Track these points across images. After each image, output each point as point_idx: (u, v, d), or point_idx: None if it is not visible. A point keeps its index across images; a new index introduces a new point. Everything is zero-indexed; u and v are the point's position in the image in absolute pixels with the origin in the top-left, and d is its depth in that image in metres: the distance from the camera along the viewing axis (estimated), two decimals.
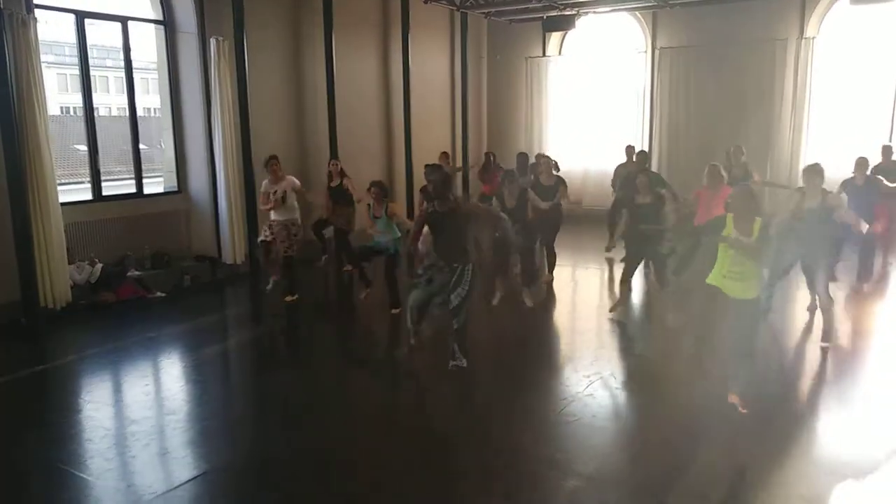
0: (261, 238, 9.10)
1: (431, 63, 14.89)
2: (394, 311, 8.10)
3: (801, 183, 7.07)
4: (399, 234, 8.15)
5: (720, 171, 8.02)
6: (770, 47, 13.50)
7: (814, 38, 13.27)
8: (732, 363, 5.39)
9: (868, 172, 8.74)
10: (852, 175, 8.68)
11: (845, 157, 9.85)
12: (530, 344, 7.56)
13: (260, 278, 9.67)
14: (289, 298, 8.86)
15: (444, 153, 12.92)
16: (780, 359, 6.78)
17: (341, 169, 10.44)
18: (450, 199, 6.17)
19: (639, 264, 7.92)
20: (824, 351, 6.66)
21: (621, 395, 6.02)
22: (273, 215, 8.87)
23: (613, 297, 8.69)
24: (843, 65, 13.11)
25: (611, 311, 8.01)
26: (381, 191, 8.15)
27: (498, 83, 16.80)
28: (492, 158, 13.23)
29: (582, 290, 9.82)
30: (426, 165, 10.58)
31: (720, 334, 5.59)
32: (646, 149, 14.78)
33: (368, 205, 8.25)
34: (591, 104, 15.57)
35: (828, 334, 6.73)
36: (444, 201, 6.13)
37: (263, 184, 8.98)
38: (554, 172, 9.49)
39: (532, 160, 11.10)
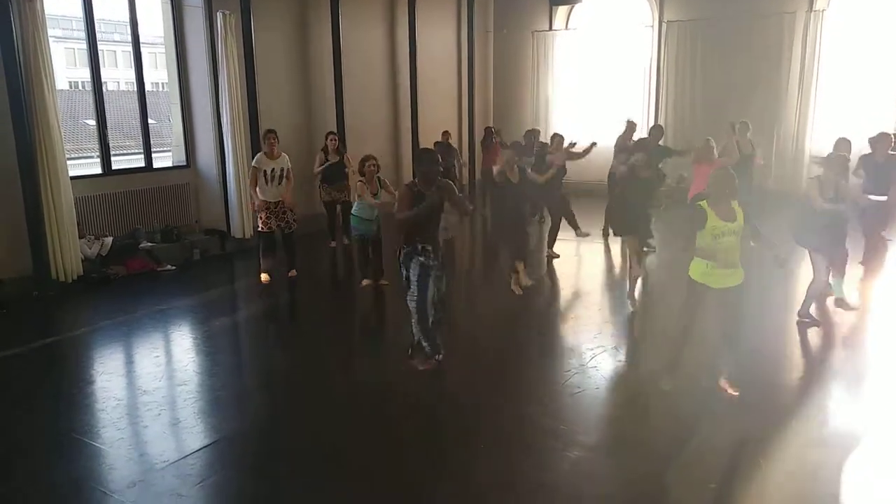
0: (260, 228, 8.59)
1: (438, 37, 14.83)
2: (382, 282, 8.29)
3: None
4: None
5: (711, 146, 8.47)
6: (779, 20, 13.38)
7: (823, 10, 13.14)
8: (721, 349, 5.29)
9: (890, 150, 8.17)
10: (871, 151, 8.18)
11: (853, 133, 9.73)
12: (535, 317, 7.64)
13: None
14: (291, 273, 8.84)
15: (446, 132, 12.84)
16: (772, 334, 6.84)
17: (338, 145, 10.40)
18: (436, 182, 5.65)
19: (637, 240, 7.64)
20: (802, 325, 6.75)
21: (624, 368, 6.09)
22: (270, 196, 8.42)
23: (619, 269, 8.71)
24: (852, 38, 12.95)
25: (632, 306, 7.47)
26: (377, 166, 8.00)
27: (504, 57, 16.72)
28: (493, 133, 13.53)
29: (586, 264, 9.87)
30: (436, 143, 10.61)
31: (703, 323, 5.38)
32: (652, 122, 14.74)
33: (360, 181, 7.97)
34: (598, 78, 15.48)
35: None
36: (430, 185, 5.59)
37: (258, 158, 8.47)
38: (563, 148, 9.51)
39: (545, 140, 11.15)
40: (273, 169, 8.38)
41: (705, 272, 5.07)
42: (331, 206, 10.51)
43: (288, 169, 8.50)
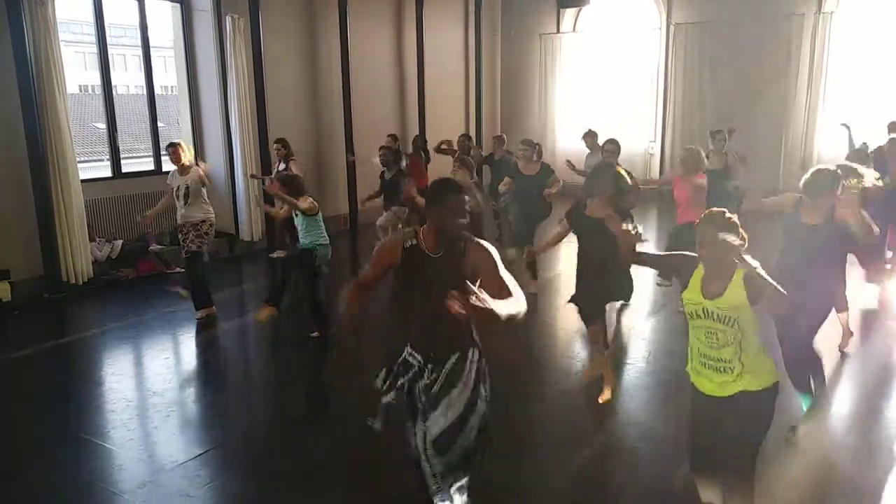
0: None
1: (445, 39, 14.84)
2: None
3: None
4: (327, 240, 6.67)
5: (699, 156, 6.84)
6: (787, 22, 13.30)
7: (832, 12, 13.09)
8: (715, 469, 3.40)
9: None
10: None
11: (863, 137, 9.69)
12: (543, 322, 7.64)
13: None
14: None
15: (392, 135, 11.01)
16: None
17: (286, 152, 9.33)
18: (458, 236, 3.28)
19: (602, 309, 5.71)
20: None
21: (632, 372, 6.08)
22: (180, 214, 7.21)
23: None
24: (861, 40, 12.88)
25: (586, 376, 5.84)
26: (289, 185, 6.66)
27: (512, 60, 16.71)
28: (419, 143, 11.43)
29: None
30: (381, 148, 9.39)
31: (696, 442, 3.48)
32: (660, 126, 14.72)
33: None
34: (606, 81, 15.46)
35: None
36: (446, 239, 3.27)
37: (170, 173, 7.41)
38: (535, 159, 8.28)
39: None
40: (178, 186, 7.15)
41: (694, 367, 3.36)
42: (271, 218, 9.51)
43: (193, 187, 7.14)
